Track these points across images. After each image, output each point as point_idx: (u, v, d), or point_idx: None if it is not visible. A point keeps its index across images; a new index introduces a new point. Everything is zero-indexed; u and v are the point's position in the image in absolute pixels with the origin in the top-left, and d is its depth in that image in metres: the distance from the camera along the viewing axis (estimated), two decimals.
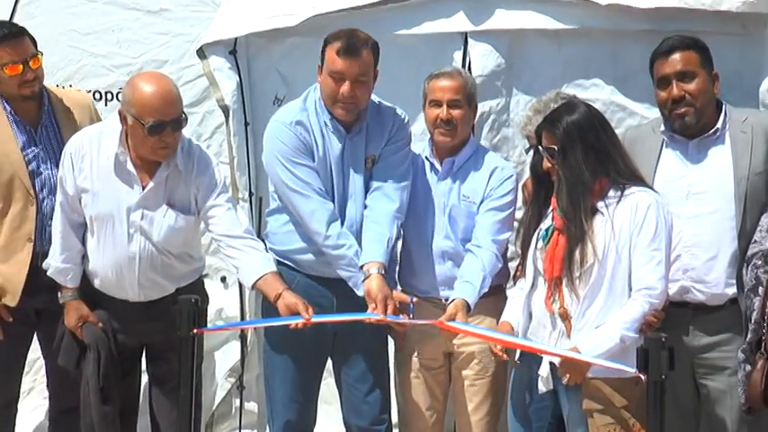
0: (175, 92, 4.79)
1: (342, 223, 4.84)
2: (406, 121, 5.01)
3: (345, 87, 4.71)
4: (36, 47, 5.14)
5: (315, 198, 4.78)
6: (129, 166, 4.81)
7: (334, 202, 4.85)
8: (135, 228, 4.82)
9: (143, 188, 4.82)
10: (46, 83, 5.24)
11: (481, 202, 4.96)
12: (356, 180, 4.88)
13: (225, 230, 4.85)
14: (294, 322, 4.61)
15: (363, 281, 4.70)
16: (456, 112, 4.92)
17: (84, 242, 4.95)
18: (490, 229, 4.91)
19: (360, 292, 4.73)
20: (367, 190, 4.90)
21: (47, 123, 5.19)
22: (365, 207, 4.88)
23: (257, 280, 4.74)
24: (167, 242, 4.87)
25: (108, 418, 4.93)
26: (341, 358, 5.04)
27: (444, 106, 4.91)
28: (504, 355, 4.56)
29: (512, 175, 5.02)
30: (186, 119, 4.84)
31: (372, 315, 4.64)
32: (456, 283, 4.83)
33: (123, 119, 4.75)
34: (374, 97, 4.93)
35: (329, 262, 4.82)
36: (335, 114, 4.82)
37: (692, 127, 4.77)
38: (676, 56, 4.77)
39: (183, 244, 4.94)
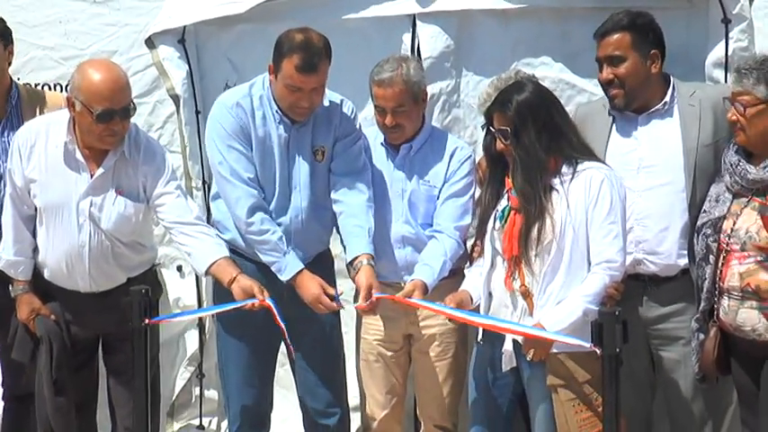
0: (125, 79, 4.79)
1: (286, 212, 4.85)
2: (352, 113, 5.00)
3: (303, 100, 4.71)
4: (5, 38, 5.21)
5: (240, 186, 4.78)
6: (78, 155, 4.80)
7: (275, 190, 4.85)
8: (84, 216, 4.81)
9: (91, 176, 4.81)
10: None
11: (442, 186, 4.98)
12: (302, 170, 4.88)
13: (175, 218, 4.85)
14: (249, 303, 4.62)
15: (354, 275, 4.75)
16: (401, 118, 4.91)
17: (34, 234, 4.92)
18: (452, 216, 4.94)
19: (282, 278, 4.74)
20: (315, 182, 4.90)
21: (12, 117, 5.19)
22: (333, 203, 4.91)
23: (210, 266, 4.74)
24: (117, 230, 4.85)
25: (62, 410, 4.93)
26: (294, 343, 5.01)
27: (389, 115, 4.90)
28: (460, 318, 4.57)
29: (470, 156, 5.05)
30: (135, 107, 4.84)
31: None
32: (416, 266, 4.86)
33: (71, 105, 4.74)
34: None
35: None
36: (292, 117, 4.82)
37: (621, 108, 4.85)
38: (608, 39, 4.84)
39: (132, 232, 4.92)
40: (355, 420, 5.33)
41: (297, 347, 5.02)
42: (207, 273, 4.80)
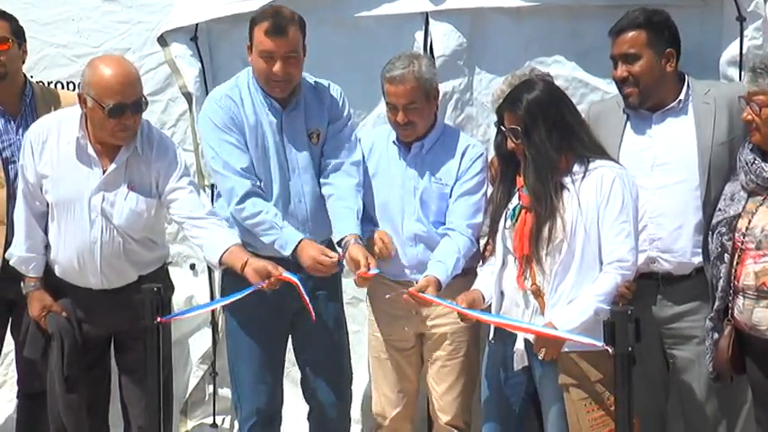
0: (135, 74, 4.80)
1: (290, 198, 4.91)
2: (341, 96, 5.06)
3: (277, 66, 4.77)
4: (18, 36, 5.26)
5: (232, 177, 4.84)
6: (90, 151, 4.80)
7: (274, 176, 4.90)
8: (96, 212, 4.80)
9: (104, 172, 4.81)
10: None
11: (454, 184, 4.97)
12: (299, 155, 4.94)
13: (188, 213, 4.85)
14: (264, 283, 4.62)
15: (343, 253, 4.78)
16: (413, 115, 4.91)
17: (46, 231, 4.92)
18: (464, 214, 4.94)
19: (286, 253, 4.76)
20: (314, 165, 4.96)
21: (27, 115, 5.22)
22: (322, 186, 4.95)
23: (222, 254, 4.73)
24: (129, 226, 4.84)
25: (73, 407, 4.91)
26: (300, 339, 5.10)
27: (401, 112, 4.90)
28: (472, 315, 4.56)
29: (482, 153, 5.04)
30: (146, 102, 4.85)
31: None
32: (429, 263, 4.85)
33: (83, 101, 4.75)
34: (309, 77, 5.00)
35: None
36: (270, 93, 4.88)
37: (635, 107, 4.84)
38: (623, 37, 4.83)
39: (144, 228, 4.91)
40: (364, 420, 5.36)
41: (302, 342, 5.09)
42: (220, 262, 4.78)
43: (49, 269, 4.96)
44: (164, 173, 4.88)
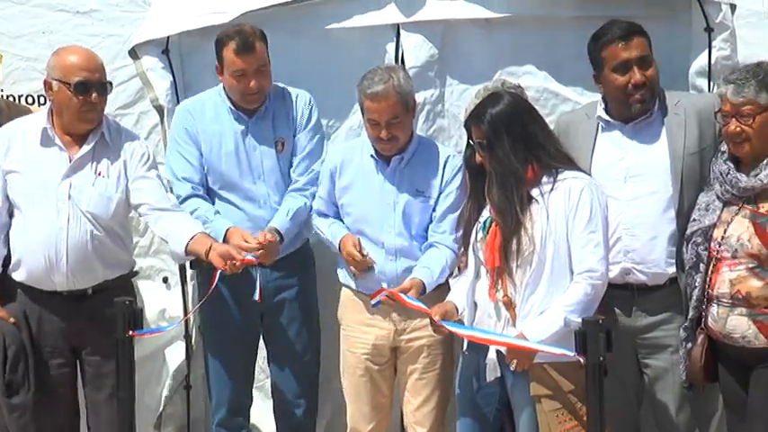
0: (99, 59, 4.97)
1: (256, 203, 5.10)
2: (309, 102, 5.19)
3: (252, 82, 4.97)
4: None
5: (175, 182, 5.15)
6: (57, 140, 4.85)
7: (236, 181, 5.10)
8: (63, 200, 4.81)
9: (71, 159, 4.84)
10: None
11: (438, 196, 4.97)
12: (265, 162, 5.12)
13: (154, 203, 4.94)
14: (229, 267, 4.73)
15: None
16: (396, 129, 4.89)
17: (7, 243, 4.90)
18: (451, 228, 4.93)
19: (220, 241, 4.91)
20: (282, 172, 5.12)
21: None
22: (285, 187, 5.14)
23: (188, 243, 4.80)
24: (97, 212, 4.86)
25: (16, 412, 4.83)
26: (269, 337, 5.26)
27: (384, 129, 4.87)
28: (446, 329, 4.54)
29: (462, 164, 4.98)
30: (111, 85, 4.98)
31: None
32: (415, 268, 4.87)
33: (48, 87, 4.82)
34: (279, 84, 5.16)
35: None
36: (246, 106, 5.07)
37: (640, 113, 4.81)
38: (634, 41, 4.79)
39: (112, 216, 4.91)
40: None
41: (271, 340, 5.27)
42: (186, 252, 4.83)
43: (5, 276, 4.92)
44: (132, 158, 4.96)
